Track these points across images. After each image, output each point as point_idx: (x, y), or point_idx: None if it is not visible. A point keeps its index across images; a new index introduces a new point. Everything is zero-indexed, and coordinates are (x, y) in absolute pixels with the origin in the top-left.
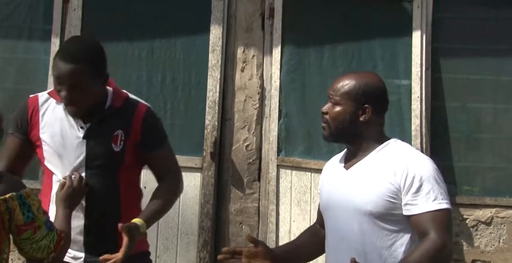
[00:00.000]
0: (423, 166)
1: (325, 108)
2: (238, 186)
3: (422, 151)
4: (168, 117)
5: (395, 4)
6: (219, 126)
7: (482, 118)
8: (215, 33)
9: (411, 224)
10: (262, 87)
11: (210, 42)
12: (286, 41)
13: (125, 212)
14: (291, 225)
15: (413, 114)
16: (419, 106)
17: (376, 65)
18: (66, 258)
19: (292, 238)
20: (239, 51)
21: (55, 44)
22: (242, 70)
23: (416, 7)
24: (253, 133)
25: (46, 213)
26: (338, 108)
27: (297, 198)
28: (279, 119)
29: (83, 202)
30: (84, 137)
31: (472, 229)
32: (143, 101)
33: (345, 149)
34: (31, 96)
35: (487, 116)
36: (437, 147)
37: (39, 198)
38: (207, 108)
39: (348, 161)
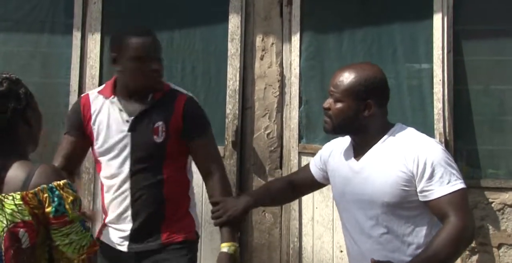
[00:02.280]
0: (432, 151)
1: (327, 104)
2: (260, 174)
3: (445, 135)
4: None
5: None
6: (239, 115)
7: (506, 100)
8: (234, 22)
9: (430, 209)
10: (282, 74)
11: (229, 31)
12: (305, 28)
13: (169, 201)
14: (314, 212)
15: (435, 98)
16: (441, 89)
17: (396, 49)
18: (113, 244)
19: (316, 225)
20: (258, 39)
21: (76, 38)
22: (262, 58)
23: None
24: (274, 121)
25: (83, 212)
26: (340, 105)
27: None
28: (299, 106)
29: (129, 192)
30: (128, 130)
31: (498, 213)
32: (184, 91)
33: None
34: (83, 94)
35: (511, 98)
36: (461, 130)
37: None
38: (227, 97)
39: (356, 152)
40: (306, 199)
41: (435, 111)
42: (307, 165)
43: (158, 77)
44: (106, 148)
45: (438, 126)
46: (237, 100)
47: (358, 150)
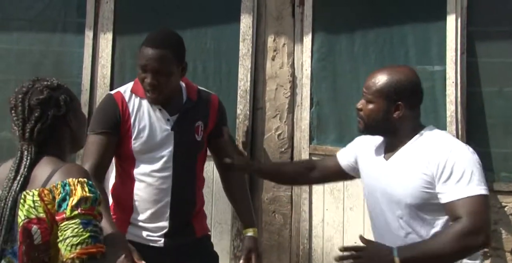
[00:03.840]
0: (456, 154)
1: (359, 104)
2: None
3: (457, 138)
4: None
5: None
6: (250, 115)
7: None
8: (246, 22)
9: (445, 212)
10: (293, 75)
11: (241, 31)
12: (317, 29)
13: (198, 198)
14: (324, 213)
15: (448, 100)
16: (454, 91)
17: (408, 51)
18: (145, 241)
19: (326, 227)
20: (270, 39)
21: (88, 37)
22: (273, 59)
23: None
24: (285, 121)
25: (93, 215)
26: (371, 106)
27: (330, 186)
28: (310, 107)
29: (170, 190)
30: (171, 129)
31: (511, 217)
32: (211, 92)
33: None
34: (112, 92)
35: None
36: (473, 133)
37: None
38: (238, 97)
39: (387, 151)
40: (317, 201)
41: (448, 113)
42: (334, 155)
43: (151, 91)
44: (150, 145)
45: (451, 128)
46: (248, 100)
47: (389, 149)
